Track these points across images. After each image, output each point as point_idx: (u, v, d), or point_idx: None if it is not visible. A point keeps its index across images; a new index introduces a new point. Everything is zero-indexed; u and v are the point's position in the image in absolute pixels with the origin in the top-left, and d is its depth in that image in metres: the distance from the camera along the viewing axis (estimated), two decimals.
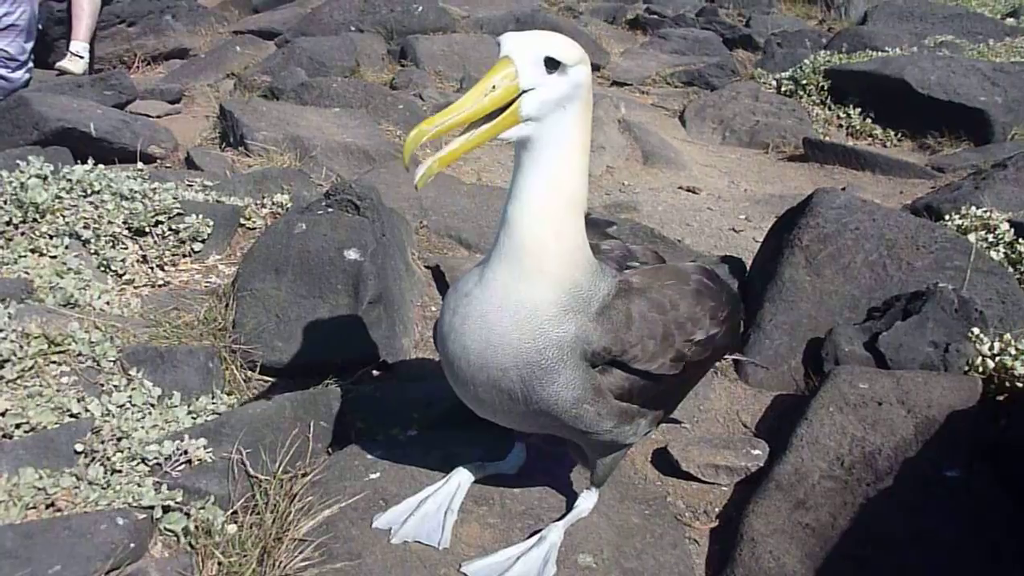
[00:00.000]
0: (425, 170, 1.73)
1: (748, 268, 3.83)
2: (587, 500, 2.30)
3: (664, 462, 2.80)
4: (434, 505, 2.26)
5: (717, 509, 2.65)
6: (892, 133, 7.00)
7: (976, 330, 3.08)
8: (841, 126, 7.22)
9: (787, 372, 3.29)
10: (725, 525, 2.56)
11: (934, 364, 3.03)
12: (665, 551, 2.29)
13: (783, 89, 7.71)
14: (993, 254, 3.69)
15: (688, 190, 5.82)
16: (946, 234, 3.52)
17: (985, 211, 4.19)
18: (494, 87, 1.72)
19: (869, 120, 7.11)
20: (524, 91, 1.74)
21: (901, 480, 2.49)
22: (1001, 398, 2.85)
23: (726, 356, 2.93)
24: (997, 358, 2.96)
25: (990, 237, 3.95)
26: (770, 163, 6.65)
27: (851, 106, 7.22)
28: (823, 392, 2.84)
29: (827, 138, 6.84)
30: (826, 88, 7.45)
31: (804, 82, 7.57)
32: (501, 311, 1.86)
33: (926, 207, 4.85)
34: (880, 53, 7.90)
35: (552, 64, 1.73)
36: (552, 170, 1.79)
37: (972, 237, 3.73)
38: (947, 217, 4.30)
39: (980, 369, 2.96)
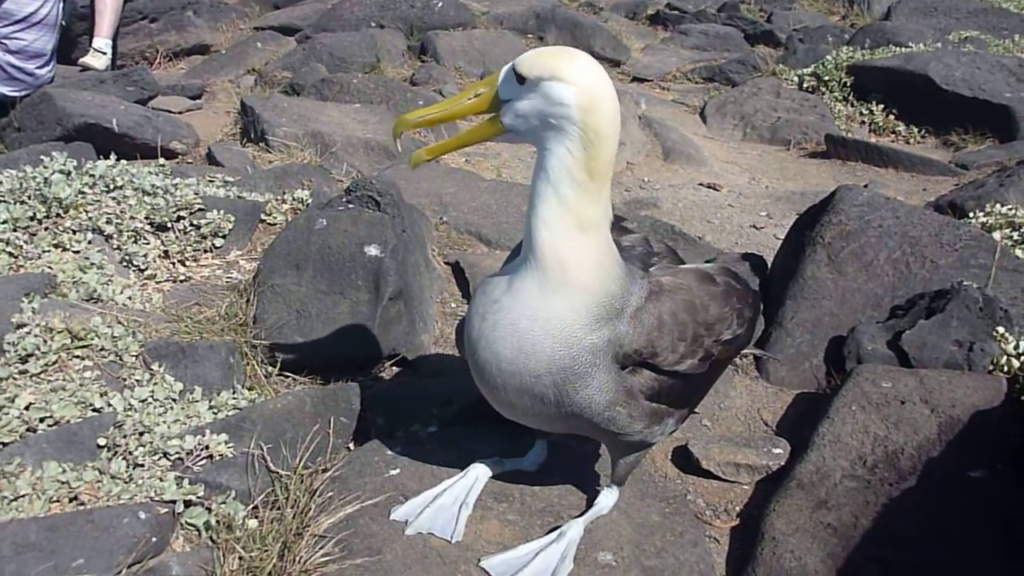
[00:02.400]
0: (413, 156, 1.96)
1: (769, 265, 3.81)
2: (607, 498, 2.29)
3: (684, 460, 2.79)
4: (450, 498, 2.26)
5: (738, 508, 2.63)
6: (915, 130, 6.94)
7: (1001, 329, 3.05)
8: (864, 122, 7.17)
9: (809, 370, 3.27)
10: (746, 524, 2.54)
11: (958, 363, 3.00)
12: (685, 549, 2.28)
13: (805, 85, 7.66)
14: (1019, 252, 3.65)
15: (709, 187, 5.80)
16: (970, 232, 3.48)
17: (1010, 208, 4.15)
18: (477, 94, 1.87)
19: (892, 116, 7.06)
20: (505, 101, 1.83)
21: (924, 480, 2.46)
22: None
23: (744, 351, 2.93)
24: (1022, 357, 2.92)
25: (1015, 235, 3.91)
26: (792, 160, 6.61)
27: (874, 102, 7.16)
28: (845, 391, 2.82)
29: (849, 135, 6.79)
30: (848, 84, 7.40)
31: (826, 78, 7.52)
32: (533, 320, 1.85)
33: (950, 204, 4.81)
34: (903, 49, 7.83)
35: (519, 77, 1.76)
36: (561, 193, 1.78)
37: (997, 235, 3.69)
38: (971, 214, 4.26)
39: (1005, 368, 2.93)
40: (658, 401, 2.01)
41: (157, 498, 2.22)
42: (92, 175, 3.56)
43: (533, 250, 1.84)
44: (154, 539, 2.09)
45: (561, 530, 2.18)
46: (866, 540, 2.31)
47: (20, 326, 2.67)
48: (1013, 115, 6.44)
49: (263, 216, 3.87)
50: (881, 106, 7.11)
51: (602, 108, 1.73)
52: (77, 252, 3.27)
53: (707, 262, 3.60)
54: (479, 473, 2.34)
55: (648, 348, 1.92)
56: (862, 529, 2.34)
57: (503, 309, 1.90)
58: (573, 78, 1.71)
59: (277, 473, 2.40)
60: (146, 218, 3.46)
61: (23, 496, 2.14)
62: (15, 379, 2.51)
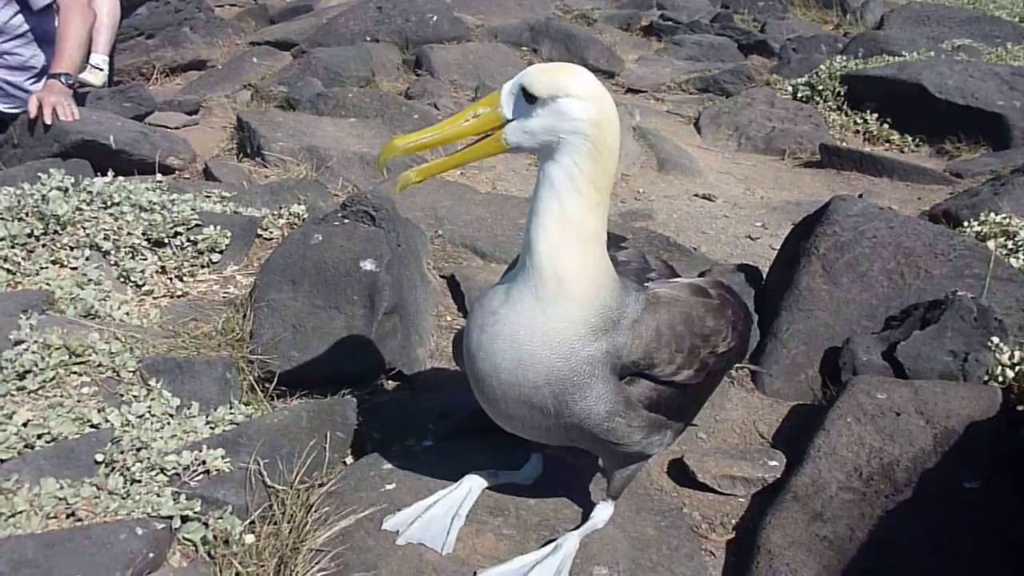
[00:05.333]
0: (402, 178, 1.91)
1: (764, 276, 3.82)
2: (603, 511, 2.30)
3: (680, 473, 2.79)
4: (442, 509, 2.27)
5: (733, 521, 2.64)
6: (909, 138, 6.97)
7: (996, 339, 3.06)
8: (858, 132, 7.19)
9: (804, 382, 3.28)
10: (742, 537, 2.55)
11: (953, 374, 3.01)
12: (681, 563, 2.28)
13: (799, 95, 7.69)
14: (1013, 261, 3.65)
15: (703, 197, 5.81)
16: (965, 241, 3.49)
17: (1004, 217, 4.16)
18: (476, 114, 1.85)
19: (886, 125, 7.08)
20: (509, 120, 1.82)
21: (920, 492, 2.47)
22: (1021, 408, 2.82)
23: (738, 365, 2.95)
24: (1017, 368, 2.93)
25: (1010, 244, 3.91)
26: (786, 170, 6.63)
27: (868, 111, 7.19)
28: (840, 402, 2.83)
29: (844, 144, 6.81)
30: (842, 93, 7.43)
31: (820, 88, 7.55)
32: (531, 332, 1.87)
33: (944, 213, 4.82)
34: (897, 58, 7.86)
35: (529, 95, 1.78)
36: (564, 204, 1.80)
37: (991, 244, 3.70)
38: (966, 224, 4.27)
39: (1000, 379, 2.94)
40: (656, 411, 2.02)
41: (154, 514, 2.23)
42: (89, 192, 3.57)
43: (532, 261, 1.86)
44: (151, 555, 2.10)
45: (557, 543, 2.19)
46: (862, 552, 2.32)
47: (18, 343, 2.68)
48: (1006, 123, 6.46)
49: (259, 231, 3.89)
50: (875, 115, 7.14)
51: (612, 121, 1.79)
52: (75, 268, 3.28)
53: (700, 275, 3.62)
54: (473, 485, 2.35)
55: (646, 359, 1.94)
56: (858, 541, 2.35)
57: (501, 321, 1.92)
58: (585, 94, 1.76)
59: (274, 488, 2.40)
60: (143, 234, 3.47)
61: (20, 512, 2.15)
62: (13, 396, 2.52)
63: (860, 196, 4.63)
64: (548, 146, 1.80)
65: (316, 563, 2.14)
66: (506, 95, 1.82)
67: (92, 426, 2.48)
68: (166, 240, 3.50)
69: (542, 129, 1.79)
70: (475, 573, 2.13)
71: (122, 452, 2.37)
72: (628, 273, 2.12)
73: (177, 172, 5.15)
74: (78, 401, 2.57)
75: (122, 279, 3.36)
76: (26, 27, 5.46)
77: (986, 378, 2.98)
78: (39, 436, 2.40)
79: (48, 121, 4.68)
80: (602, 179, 1.81)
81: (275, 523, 2.32)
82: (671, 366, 1.99)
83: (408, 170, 1.90)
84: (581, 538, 2.22)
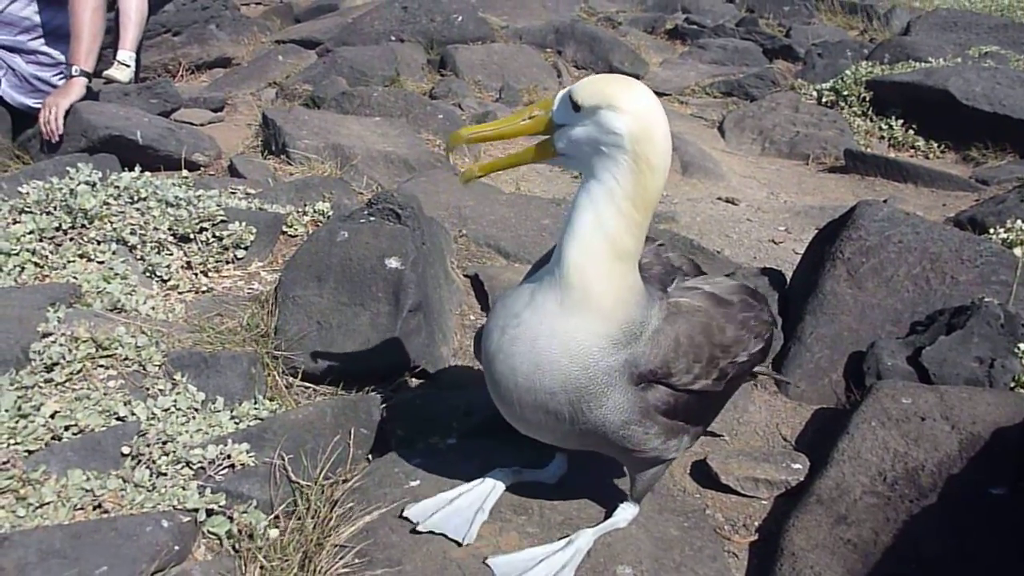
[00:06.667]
0: (466, 171, 2.00)
1: (788, 280, 3.81)
2: (625, 512, 2.30)
3: (703, 474, 2.79)
4: (466, 502, 2.28)
5: (757, 523, 2.63)
6: (935, 145, 6.91)
7: (1022, 346, 3.03)
8: (883, 137, 7.14)
9: (828, 386, 3.26)
10: (765, 539, 2.54)
11: (979, 380, 2.99)
12: (704, 564, 2.28)
13: (824, 100, 7.65)
14: None
15: (727, 201, 5.79)
16: (991, 248, 3.47)
17: None
18: (532, 115, 1.89)
19: (911, 131, 7.03)
20: (558, 125, 1.85)
21: (945, 497, 2.45)
22: None
23: (757, 371, 2.94)
24: None
25: None
26: (810, 174, 6.60)
27: (893, 117, 7.14)
28: (865, 406, 2.81)
29: (868, 149, 6.77)
30: (867, 99, 7.38)
31: (845, 93, 7.50)
32: (552, 338, 1.87)
33: (970, 220, 4.79)
34: (923, 64, 7.80)
35: (575, 105, 1.79)
36: (602, 218, 1.80)
37: (1018, 251, 3.66)
38: (992, 230, 4.23)
39: None
40: (674, 418, 2.01)
41: (180, 507, 2.24)
42: (117, 186, 3.60)
43: (561, 269, 1.85)
44: (177, 547, 2.11)
45: (570, 538, 2.19)
46: (886, 557, 2.30)
47: (46, 335, 2.71)
48: None
49: (284, 228, 3.91)
50: (900, 121, 7.09)
51: (654, 138, 1.75)
52: (101, 262, 3.31)
53: (728, 275, 3.61)
54: (498, 481, 2.36)
55: (663, 368, 1.93)
56: (882, 546, 2.34)
57: (523, 324, 1.92)
58: (628, 107, 1.73)
59: (298, 483, 2.42)
60: (169, 229, 3.50)
61: (48, 503, 2.17)
62: (41, 387, 2.54)
63: (885, 202, 4.61)
64: (592, 158, 1.79)
65: (340, 558, 2.15)
66: (559, 100, 1.83)
67: (118, 419, 2.50)
68: (192, 235, 3.53)
69: (584, 138, 1.79)
70: (485, 558, 2.13)
71: (148, 445, 2.40)
72: (652, 279, 2.10)
73: (202, 168, 5.18)
74: (104, 394, 2.59)
75: (148, 274, 3.39)
76: (53, 23, 5.52)
77: (1012, 384, 2.96)
78: (66, 428, 2.42)
79: (47, 137, 4.83)
80: (643, 199, 1.79)
81: (299, 518, 2.33)
82: (688, 375, 1.97)
83: (472, 164, 1.98)
84: (597, 536, 2.22)
